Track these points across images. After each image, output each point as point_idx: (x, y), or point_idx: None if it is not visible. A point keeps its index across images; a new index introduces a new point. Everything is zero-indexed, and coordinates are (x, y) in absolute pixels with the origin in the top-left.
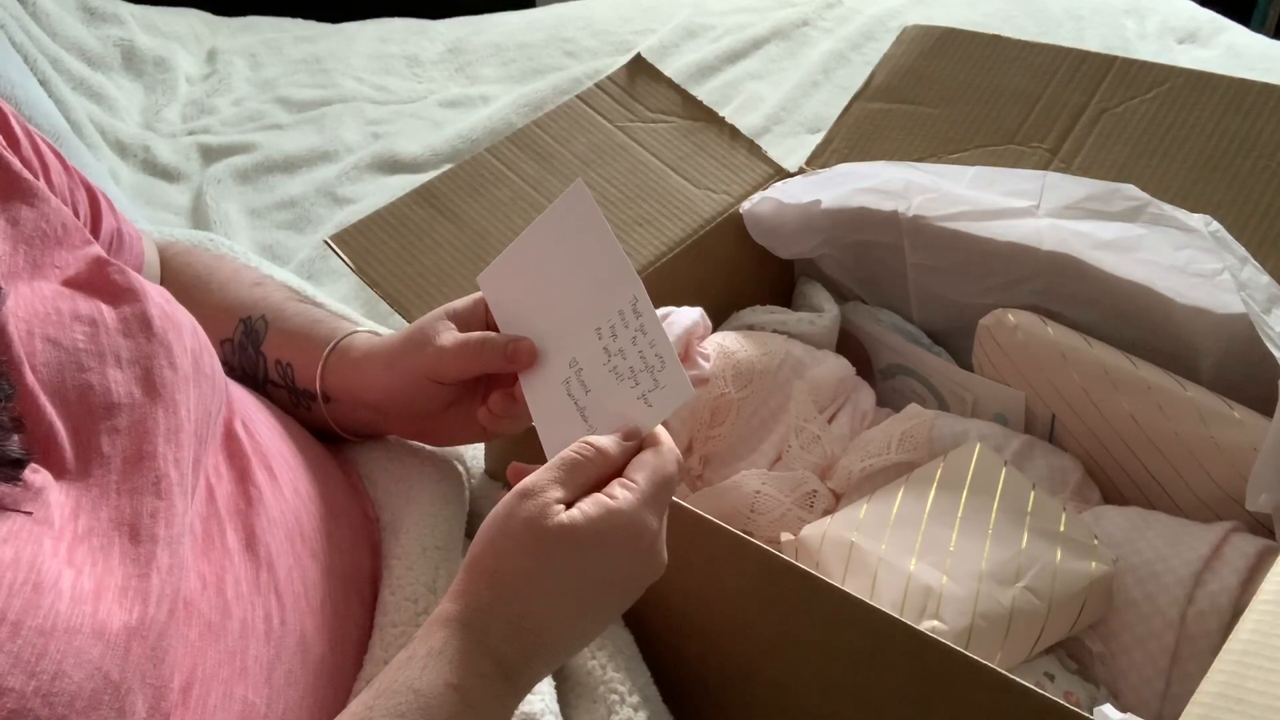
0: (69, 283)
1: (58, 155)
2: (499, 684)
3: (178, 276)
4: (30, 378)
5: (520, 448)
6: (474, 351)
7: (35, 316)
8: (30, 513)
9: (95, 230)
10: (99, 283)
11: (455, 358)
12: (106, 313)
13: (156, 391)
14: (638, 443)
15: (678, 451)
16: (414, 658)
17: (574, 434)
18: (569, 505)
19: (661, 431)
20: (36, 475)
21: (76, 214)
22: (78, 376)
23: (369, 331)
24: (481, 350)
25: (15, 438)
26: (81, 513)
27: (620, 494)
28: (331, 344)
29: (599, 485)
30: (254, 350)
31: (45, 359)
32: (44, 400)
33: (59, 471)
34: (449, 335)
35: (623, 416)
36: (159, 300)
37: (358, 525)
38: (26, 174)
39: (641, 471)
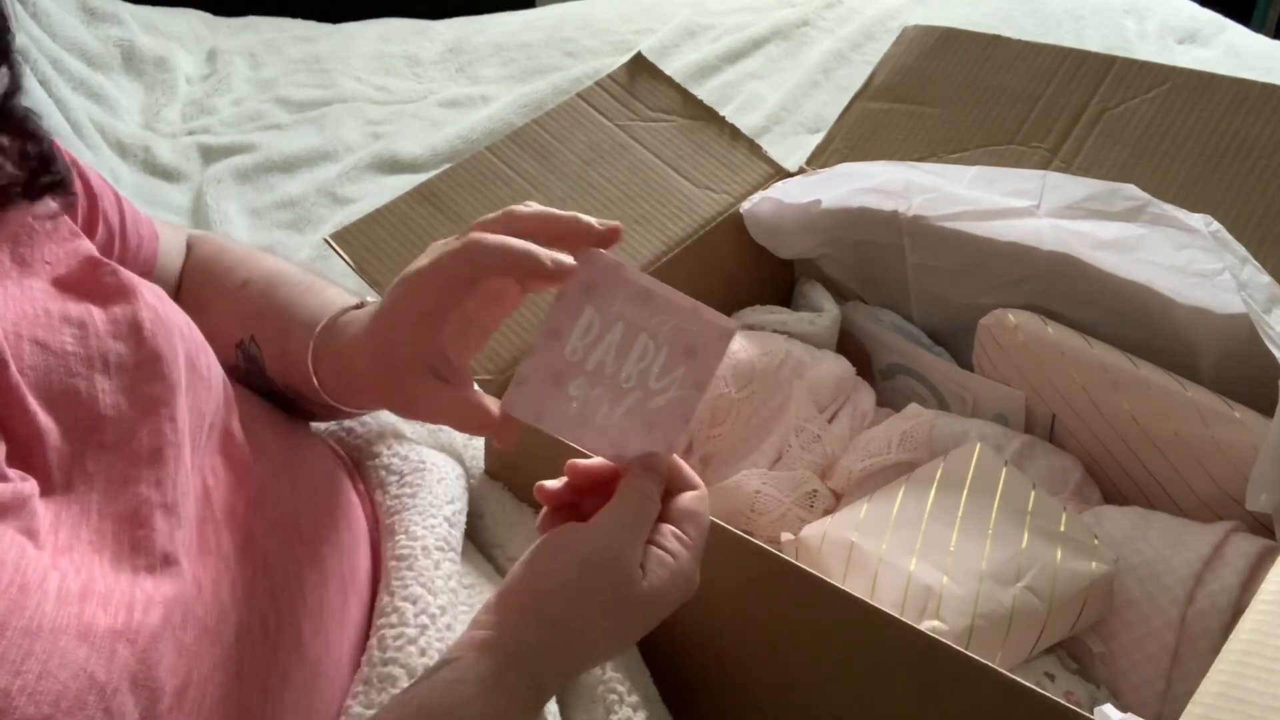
0: (58, 282)
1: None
2: (535, 712)
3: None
4: (17, 380)
5: (519, 449)
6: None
7: (24, 318)
8: None
9: (90, 226)
10: (90, 284)
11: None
12: (96, 315)
13: (143, 407)
14: (666, 471)
15: (704, 486)
16: (461, 682)
17: (631, 440)
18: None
19: (689, 471)
20: (26, 483)
21: (76, 210)
22: (66, 381)
23: (344, 312)
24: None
25: None
26: (61, 528)
27: (680, 551)
28: (310, 360)
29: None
30: (261, 374)
31: (33, 362)
32: (32, 404)
33: (43, 482)
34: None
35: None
36: (151, 301)
37: (356, 526)
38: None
39: (692, 524)
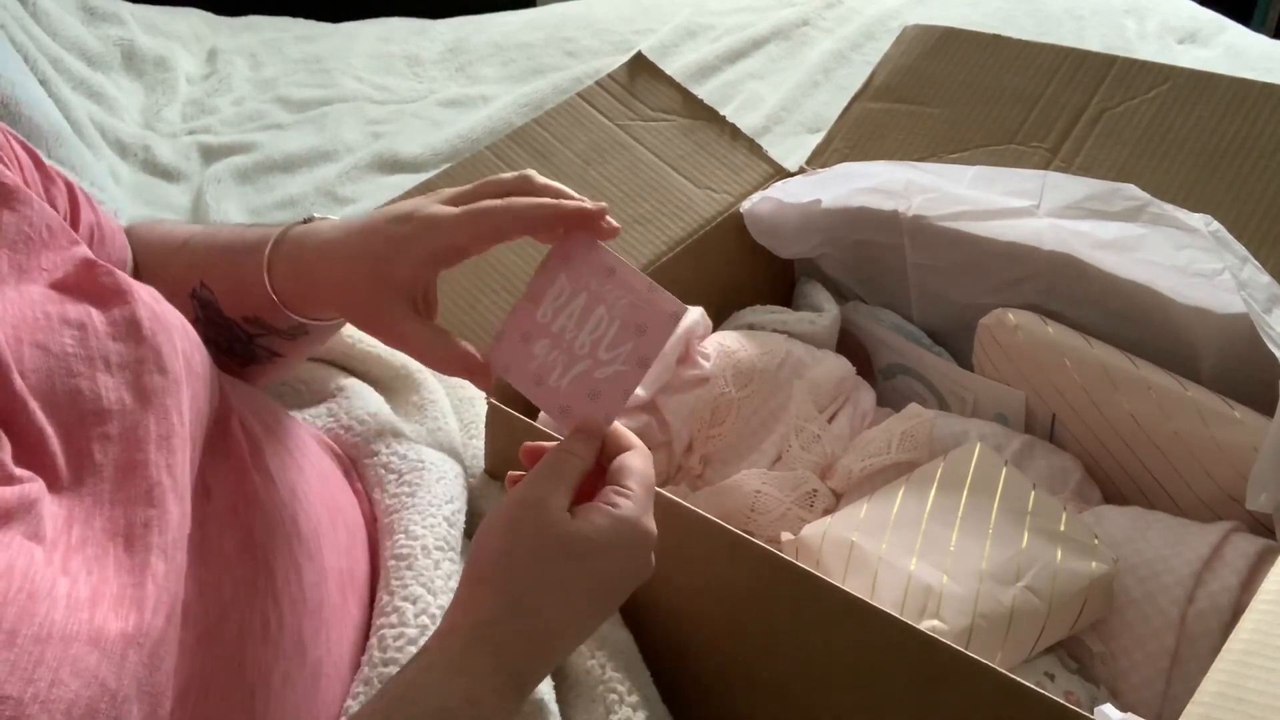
0: (56, 286)
1: (30, 152)
2: (512, 699)
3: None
4: (19, 384)
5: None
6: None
7: (23, 322)
8: None
9: (74, 227)
10: (87, 285)
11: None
12: (95, 316)
13: (147, 398)
14: (600, 437)
15: (643, 445)
16: (430, 668)
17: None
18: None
19: (629, 434)
20: (33, 484)
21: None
22: (67, 382)
23: (292, 226)
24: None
25: None
26: (75, 523)
27: (622, 503)
28: (265, 269)
29: (582, 487)
30: (219, 316)
31: (34, 365)
32: (34, 406)
33: (52, 481)
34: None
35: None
36: (149, 301)
37: (355, 526)
38: (9, 177)
39: (633, 479)
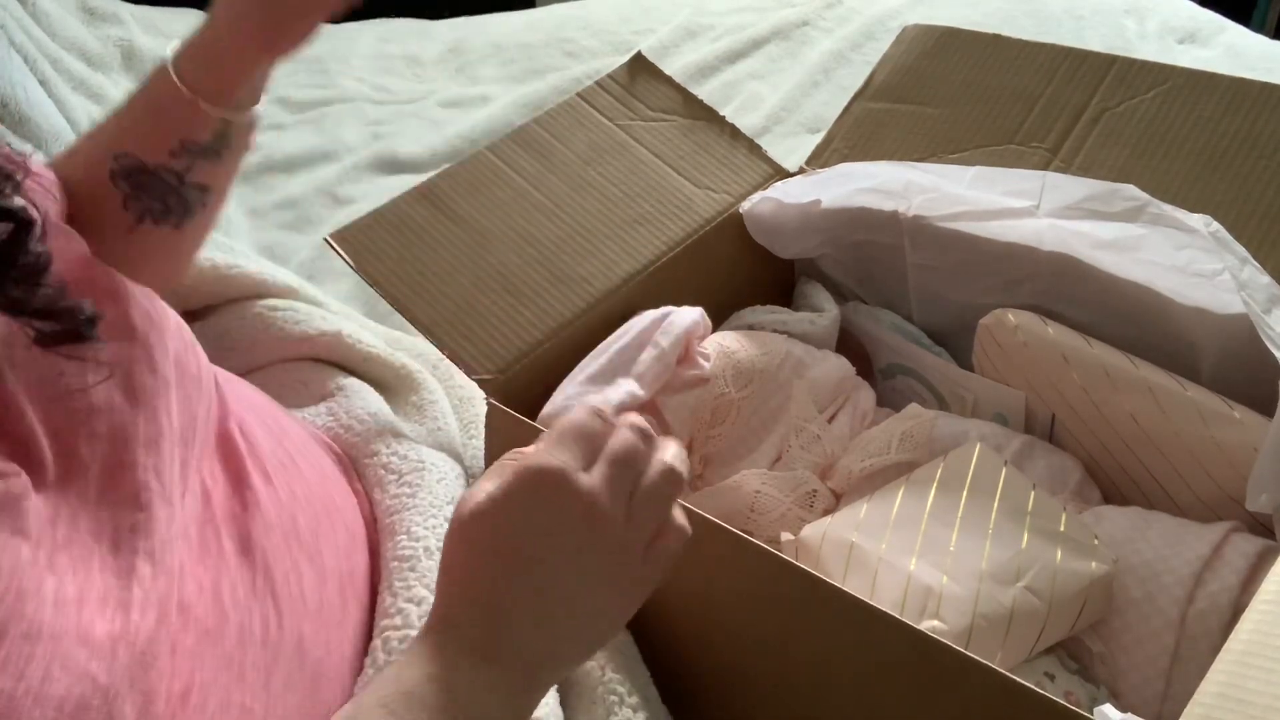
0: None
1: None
2: (480, 671)
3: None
4: (9, 379)
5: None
6: None
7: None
8: None
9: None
10: (82, 284)
11: None
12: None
13: (136, 397)
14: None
15: (636, 417)
16: (407, 665)
17: None
18: None
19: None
20: (17, 480)
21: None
22: (57, 380)
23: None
24: None
25: None
26: (60, 522)
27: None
28: (173, 70)
29: None
30: (145, 172)
31: (24, 360)
32: (23, 401)
33: (39, 479)
34: None
35: None
36: (142, 301)
37: (354, 525)
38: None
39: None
